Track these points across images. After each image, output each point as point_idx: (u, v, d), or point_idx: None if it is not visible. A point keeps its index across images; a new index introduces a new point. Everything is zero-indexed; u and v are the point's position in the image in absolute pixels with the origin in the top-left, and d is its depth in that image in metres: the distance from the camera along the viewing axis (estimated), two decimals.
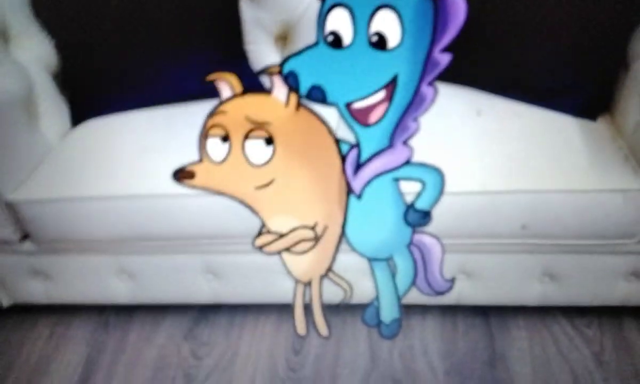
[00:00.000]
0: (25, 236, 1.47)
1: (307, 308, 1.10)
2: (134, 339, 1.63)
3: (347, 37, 0.79)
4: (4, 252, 1.52)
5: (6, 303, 1.63)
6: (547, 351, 1.49)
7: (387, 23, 0.78)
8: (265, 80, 0.87)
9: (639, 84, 1.35)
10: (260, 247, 0.98)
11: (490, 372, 1.45)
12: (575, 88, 1.45)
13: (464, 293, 1.46)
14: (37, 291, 1.61)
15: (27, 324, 1.70)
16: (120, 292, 1.57)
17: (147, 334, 1.64)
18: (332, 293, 1.12)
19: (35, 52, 1.59)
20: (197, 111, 0.88)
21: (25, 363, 1.60)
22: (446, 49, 0.81)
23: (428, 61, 0.82)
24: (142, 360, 1.58)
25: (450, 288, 1.09)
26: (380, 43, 0.79)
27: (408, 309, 1.12)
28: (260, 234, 0.98)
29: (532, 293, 1.47)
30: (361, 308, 1.12)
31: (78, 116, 1.62)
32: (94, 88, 1.60)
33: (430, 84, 0.83)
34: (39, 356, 1.62)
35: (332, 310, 1.11)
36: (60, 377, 1.56)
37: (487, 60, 1.51)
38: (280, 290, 1.35)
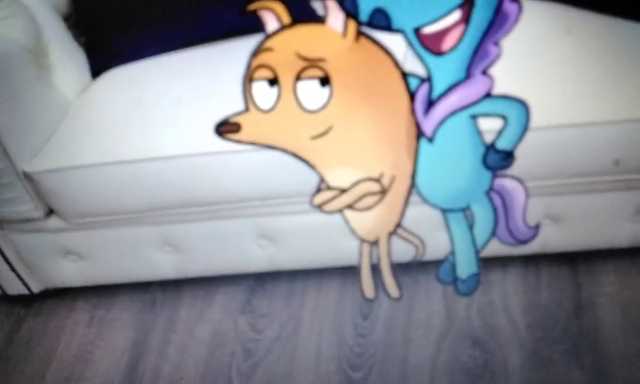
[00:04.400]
0: (50, 212, 1.44)
1: (375, 269, 1.05)
2: (185, 316, 1.61)
3: None
4: (29, 231, 1.48)
5: (37, 288, 1.61)
6: (637, 294, 1.46)
7: None
8: (317, 5, 0.84)
9: None
10: (320, 206, 0.93)
11: (576, 322, 1.43)
12: None
13: (549, 239, 1.43)
14: (70, 273, 1.58)
15: (63, 310, 1.68)
16: (165, 266, 1.54)
17: (200, 310, 1.61)
18: (402, 251, 1.06)
19: None
20: (237, 50, 0.84)
21: (66, 352, 1.58)
22: None
23: None
24: (195, 339, 1.55)
25: (534, 236, 1.04)
26: None
27: (487, 262, 1.06)
28: (318, 190, 0.93)
29: (624, 233, 1.45)
30: (435, 264, 1.08)
31: (98, 65, 1.56)
32: (114, 30, 1.54)
33: None
34: (79, 343, 1.60)
35: (402, 269, 1.07)
36: (105, 365, 1.54)
37: None
38: (344, 252, 1.29)
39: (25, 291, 1.60)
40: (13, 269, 1.54)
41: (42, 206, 1.41)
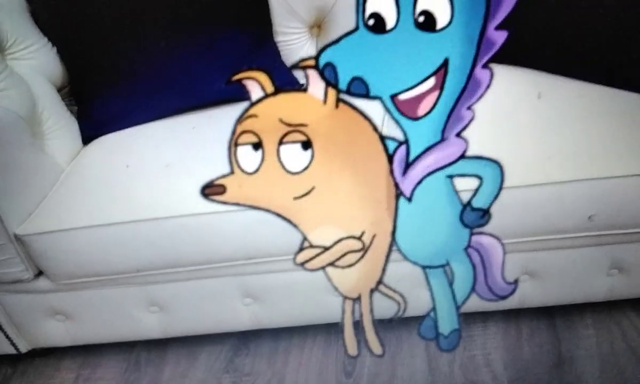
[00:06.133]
0: (39, 273, 1.43)
1: (357, 326, 1.06)
2: (169, 376, 1.59)
3: (390, 19, 0.75)
4: (18, 292, 1.48)
5: (24, 348, 1.59)
6: (616, 347, 1.47)
7: None
8: (299, 75, 0.83)
9: None
10: (303, 264, 0.93)
11: (557, 375, 1.42)
12: None
13: (528, 294, 1.43)
14: (57, 333, 1.57)
15: (49, 369, 1.66)
16: (150, 326, 1.53)
17: (184, 370, 1.60)
18: (384, 307, 1.07)
19: (36, 62, 1.55)
20: (223, 117, 0.88)
21: None
22: (501, 26, 0.76)
23: (482, 40, 0.77)
24: None
25: (513, 291, 1.05)
26: (427, 23, 0.75)
27: (467, 318, 1.12)
28: (301, 249, 0.93)
29: (600, 288, 1.45)
30: (416, 320, 1.08)
31: (89, 133, 1.58)
32: (105, 99, 1.56)
33: (485, 66, 0.79)
34: None
35: (384, 326, 1.07)
36: None
37: (546, 36, 1.47)
38: (327, 309, 1.32)
39: (12, 351, 1.58)
40: (1, 329, 1.53)
41: (31, 267, 1.40)
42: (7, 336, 1.54)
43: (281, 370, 1.54)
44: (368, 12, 0.74)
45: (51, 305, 1.50)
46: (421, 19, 0.74)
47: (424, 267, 1.00)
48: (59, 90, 1.60)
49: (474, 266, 0.99)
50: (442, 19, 0.74)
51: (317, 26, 1.71)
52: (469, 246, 0.96)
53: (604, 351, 1.45)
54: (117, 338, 1.59)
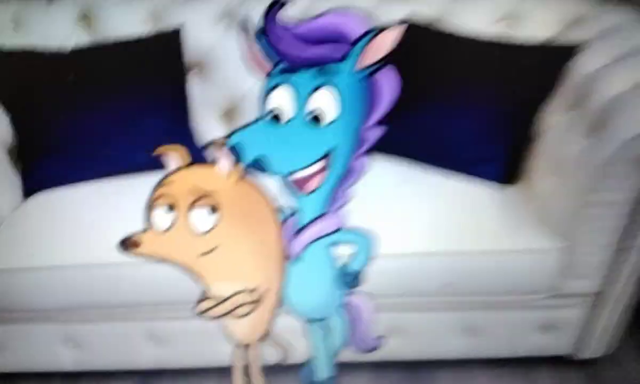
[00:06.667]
0: None
1: (247, 370, 1.13)
2: None
3: (287, 114, 0.85)
4: None
5: None
6: None
7: (325, 100, 0.85)
8: (210, 153, 0.91)
9: (548, 154, 1.47)
10: (202, 313, 0.99)
11: None
12: (492, 157, 1.56)
13: (394, 349, 1.47)
14: None
15: None
16: (66, 359, 1.57)
17: None
18: (270, 354, 1.15)
19: None
20: (145, 183, 0.91)
21: None
22: (379, 122, 0.88)
23: (362, 134, 0.89)
24: None
25: (379, 345, 1.14)
26: (316, 119, 0.85)
27: (342, 367, 1.15)
28: (202, 299, 0.99)
29: (456, 347, 1.54)
30: (298, 367, 1.16)
31: (29, 189, 1.64)
32: (45, 160, 1.63)
33: (362, 155, 0.91)
34: None
35: (269, 370, 1.14)
36: None
37: (418, 132, 1.60)
38: (220, 354, 1.29)
39: None
40: None
41: None
42: None
43: None
44: (269, 107, 0.85)
45: None
46: (310, 116, 0.85)
47: (306, 321, 1.08)
48: (9, 150, 1.65)
49: (347, 322, 1.08)
50: (328, 117, 0.85)
51: (228, 114, 1.82)
52: (344, 303, 1.06)
53: None
54: (35, 368, 1.60)
